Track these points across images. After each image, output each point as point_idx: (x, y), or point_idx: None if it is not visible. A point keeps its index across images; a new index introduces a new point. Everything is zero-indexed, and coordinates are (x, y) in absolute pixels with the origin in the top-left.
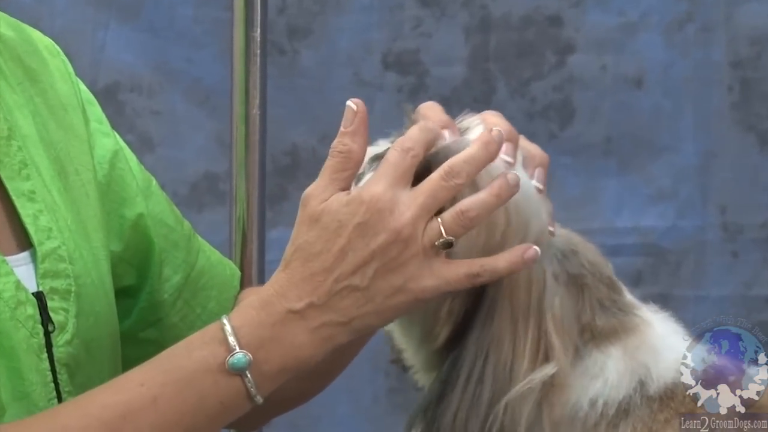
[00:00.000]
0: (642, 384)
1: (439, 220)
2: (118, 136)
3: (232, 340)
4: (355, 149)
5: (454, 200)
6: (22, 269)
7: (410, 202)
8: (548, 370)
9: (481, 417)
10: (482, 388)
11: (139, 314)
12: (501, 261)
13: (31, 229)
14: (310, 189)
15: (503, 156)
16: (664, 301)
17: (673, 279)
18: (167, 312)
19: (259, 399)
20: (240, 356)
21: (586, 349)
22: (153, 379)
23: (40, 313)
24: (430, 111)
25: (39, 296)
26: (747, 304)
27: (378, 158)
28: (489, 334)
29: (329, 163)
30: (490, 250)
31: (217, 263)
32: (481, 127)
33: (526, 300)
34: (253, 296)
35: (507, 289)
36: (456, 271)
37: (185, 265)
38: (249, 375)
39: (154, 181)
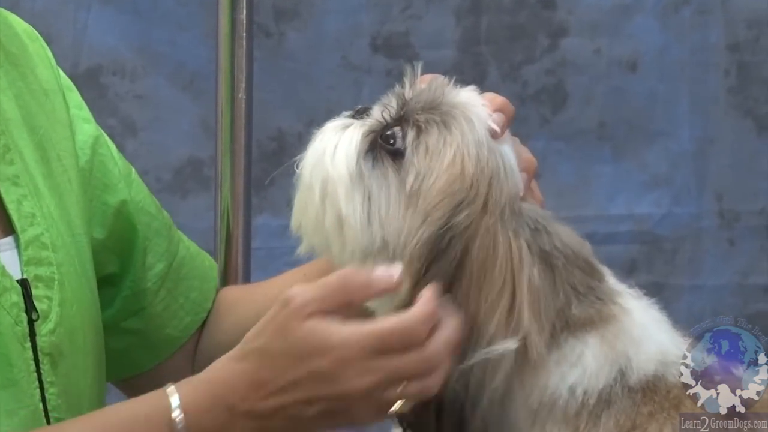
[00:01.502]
0: (622, 374)
1: (402, 395)
2: (96, 124)
3: (178, 425)
4: (355, 300)
5: None
6: (6, 255)
7: (373, 371)
8: (511, 344)
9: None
10: None
11: (122, 303)
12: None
13: (14, 215)
14: (299, 294)
15: (491, 123)
16: (658, 290)
17: (669, 267)
18: (150, 301)
19: None
20: None
21: (562, 335)
22: None
23: (24, 301)
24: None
25: (23, 284)
26: (743, 293)
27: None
28: (458, 297)
29: (331, 290)
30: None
31: (197, 254)
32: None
33: (502, 267)
34: (203, 377)
35: (481, 254)
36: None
37: (168, 254)
38: None
39: (134, 170)
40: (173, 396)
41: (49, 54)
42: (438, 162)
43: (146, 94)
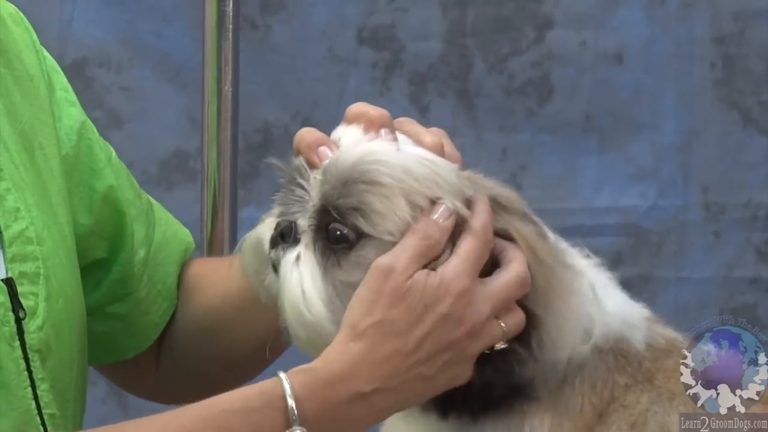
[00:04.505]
0: (588, 335)
1: (503, 325)
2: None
3: (293, 414)
4: (442, 243)
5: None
6: None
7: (486, 298)
8: None
9: None
10: None
11: (109, 287)
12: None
13: None
14: (391, 260)
15: (388, 141)
16: (644, 282)
17: (654, 260)
18: (136, 286)
19: None
20: None
21: None
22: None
23: (11, 300)
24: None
25: (9, 282)
26: (729, 285)
27: None
28: None
29: (415, 244)
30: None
31: (172, 238)
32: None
33: None
34: (322, 361)
35: None
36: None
37: (146, 241)
38: None
39: (114, 153)
40: (288, 391)
41: (34, 37)
42: (396, 207)
43: (132, 86)
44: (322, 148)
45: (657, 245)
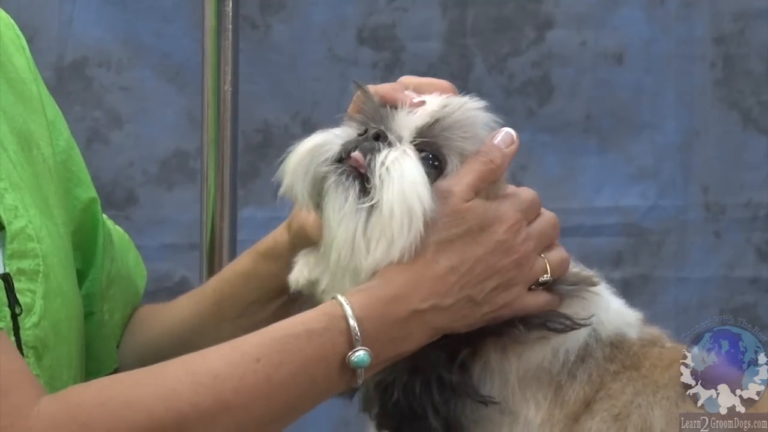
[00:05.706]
0: (595, 330)
1: (546, 260)
2: None
3: (355, 333)
4: (503, 168)
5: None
6: None
7: (532, 234)
8: None
9: None
10: None
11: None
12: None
13: None
14: (450, 185)
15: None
16: (644, 282)
17: (654, 260)
18: (99, 307)
19: (358, 385)
20: (363, 355)
21: None
22: (269, 357)
23: (7, 296)
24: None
25: (5, 278)
26: (729, 285)
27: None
28: None
29: (479, 168)
30: None
31: (125, 277)
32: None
33: None
34: (378, 280)
35: None
36: (536, 300)
37: (104, 269)
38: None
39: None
40: (348, 312)
41: (24, 43)
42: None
43: (132, 86)
44: (409, 91)
45: (657, 245)
